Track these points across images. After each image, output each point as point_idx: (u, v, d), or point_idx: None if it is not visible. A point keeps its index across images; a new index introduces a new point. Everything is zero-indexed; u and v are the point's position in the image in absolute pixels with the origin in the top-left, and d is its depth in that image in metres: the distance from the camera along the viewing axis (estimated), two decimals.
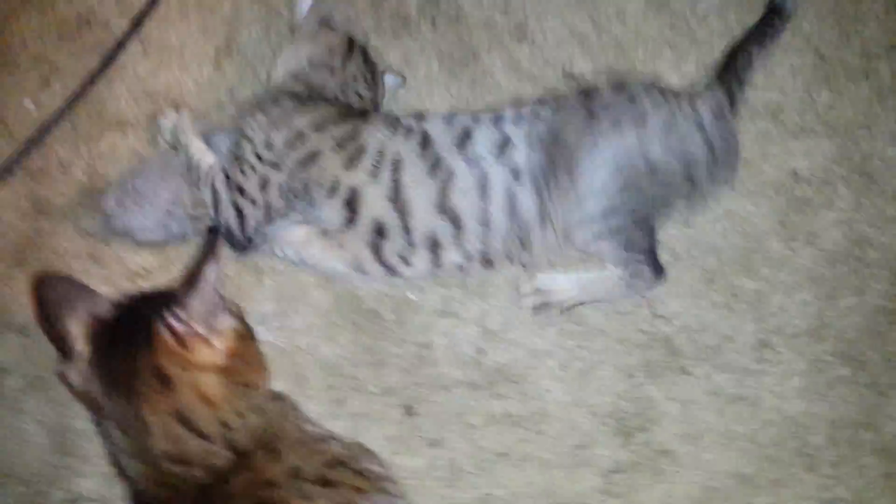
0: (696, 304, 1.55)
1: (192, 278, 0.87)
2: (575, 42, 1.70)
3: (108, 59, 1.63)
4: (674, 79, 1.67)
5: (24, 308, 1.48)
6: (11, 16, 1.68)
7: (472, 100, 1.65)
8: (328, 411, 1.46)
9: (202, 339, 0.87)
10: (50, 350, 0.93)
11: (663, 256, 1.49)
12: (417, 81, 1.66)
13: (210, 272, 0.86)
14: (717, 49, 1.66)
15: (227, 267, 1.48)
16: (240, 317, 0.95)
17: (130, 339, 0.86)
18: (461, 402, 1.49)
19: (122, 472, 0.89)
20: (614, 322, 1.53)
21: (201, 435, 0.85)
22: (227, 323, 0.91)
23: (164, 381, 0.85)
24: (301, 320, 1.52)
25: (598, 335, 1.52)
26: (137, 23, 1.66)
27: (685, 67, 1.69)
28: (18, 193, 1.56)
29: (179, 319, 0.86)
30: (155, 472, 0.86)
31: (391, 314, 1.53)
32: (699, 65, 1.69)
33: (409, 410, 1.48)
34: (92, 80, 1.62)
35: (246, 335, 0.95)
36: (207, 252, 0.88)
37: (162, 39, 1.66)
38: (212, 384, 0.87)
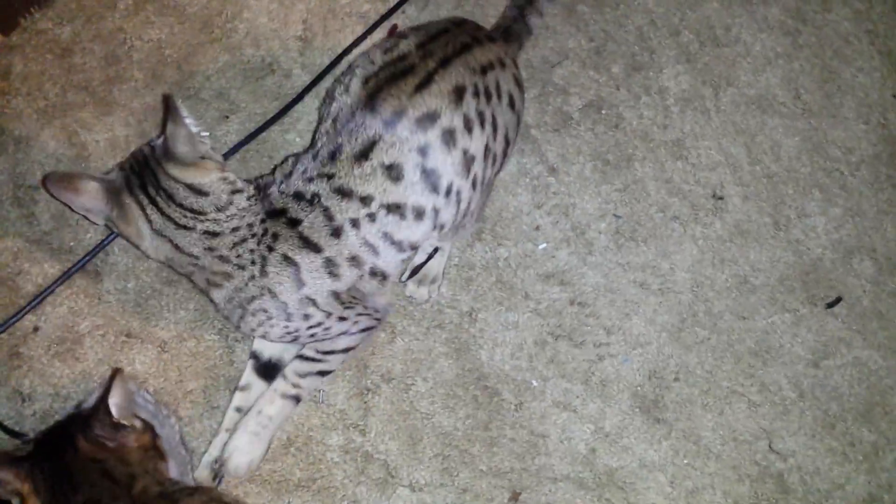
0: (813, 446, 1.68)
1: (95, 410, 1.24)
2: (728, 168, 1.89)
3: (287, 107, 1.87)
4: (821, 222, 1.84)
5: (171, 321, 1.69)
6: (201, 50, 1.93)
7: (620, 203, 1.84)
8: (436, 479, 1.61)
9: (119, 440, 1.25)
10: None
11: (788, 393, 1.64)
12: (570, 177, 1.86)
13: (103, 408, 1.23)
14: (865, 197, 1.84)
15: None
16: (144, 423, 1.31)
17: (59, 452, 1.23)
18: (567, 497, 1.62)
19: None
20: (730, 448, 1.66)
21: (114, 481, 1.21)
22: (133, 432, 1.27)
23: (94, 461, 1.23)
24: (424, 385, 1.68)
25: (712, 458, 1.66)
26: (317, 78, 1.91)
27: (833, 212, 1.86)
28: None
29: (92, 436, 1.23)
30: None
31: (512, 397, 1.69)
32: (846, 210, 1.86)
33: (514, 496, 1.62)
34: (268, 123, 1.86)
35: (152, 429, 1.32)
36: (109, 386, 1.23)
37: None
38: (131, 453, 1.25)
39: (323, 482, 1.56)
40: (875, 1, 2.03)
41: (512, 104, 1.46)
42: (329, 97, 1.42)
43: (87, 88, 1.82)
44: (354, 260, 1.36)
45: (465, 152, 1.36)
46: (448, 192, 1.38)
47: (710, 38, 1.95)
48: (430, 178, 1.35)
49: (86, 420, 1.23)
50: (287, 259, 1.34)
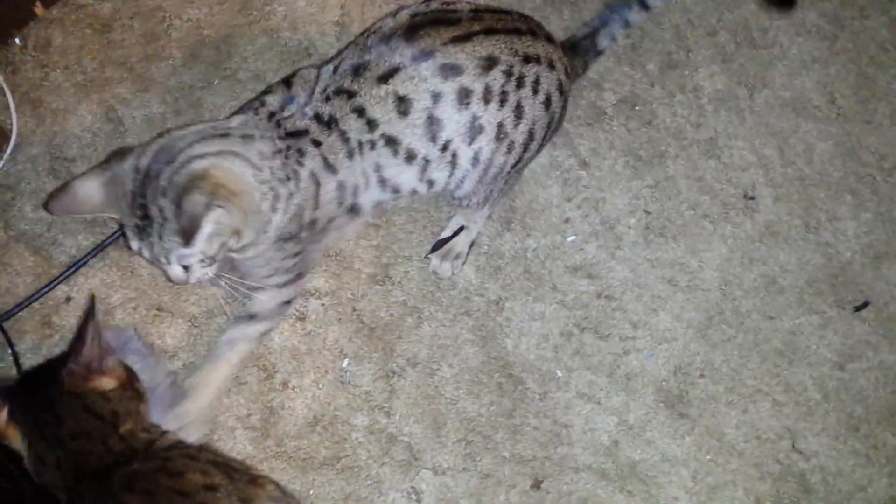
0: (837, 447, 1.70)
1: (80, 336, 1.22)
2: (760, 169, 1.91)
3: None
4: (851, 226, 1.87)
5: (202, 298, 1.73)
6: (238, 31, 1.97)
7: (650, 199, 1.87)
8: (459, 464, 1.64)
9: (98, 374, 1.23)
10: None
11: (813, 394, 1.67)
12: (601, 172, 1.89)
13: (90, 331, 1.20)
14: None
15: (384, 310, 1.73)
16: (119, 362, 1.28)
17: (44, 386, 1.23)
18: (588, 488, 1.66)
19: (44, 479, 1.22)
20: (753, 446, 1.69)
21: (98, 417, 1.20)
22: (114, 361, 1.26)
23: (76, 395, 1.21)
24: (449, 371, 1.72)
25: (735, 456, 1.68)
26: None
27: (863, 216, 1.88)
28: None
29: (76, 364, 1.21)
30: (64, 455, 1.17)
31: (536, 386, 1.72)
32: (876, 215, 1.89)
33: (536, 484, 1.65)
34: None
35: (129, 368, 1.30)
36: (87, 317, 1.20)
37: None
38: (109, 388, 1.22)
39: (347, 461, 1.60)
40: None
41: (547, 104, 1.48)
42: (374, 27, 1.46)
43: (125, 64, 1.86)
44: (355, 189, 1.42)
45: (474, 118, 1.39)
46: (444, 148, 1.41)
47: (746, 40, 1.97)
48: (431, 125, 1.38)
49: (68, 355, 1.23)
50: (314, 177, 1.39)
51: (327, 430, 1.61)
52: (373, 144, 1.40)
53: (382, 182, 1.44)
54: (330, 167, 1.40)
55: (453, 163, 1.45)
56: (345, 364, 1.66)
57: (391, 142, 1.40)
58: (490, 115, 1.41)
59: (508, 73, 1.41)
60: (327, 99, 1.40)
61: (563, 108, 1.55)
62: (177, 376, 1.59)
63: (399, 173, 1.44)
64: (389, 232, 1.76)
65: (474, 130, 1.42)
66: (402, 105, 1.38)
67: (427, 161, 1.43)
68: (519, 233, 1.78)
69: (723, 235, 1.82)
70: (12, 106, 1.78)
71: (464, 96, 1.38)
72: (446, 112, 1.39)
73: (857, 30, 2.00)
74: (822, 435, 1.67)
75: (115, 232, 1.69)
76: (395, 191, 1.46)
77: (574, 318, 1.73)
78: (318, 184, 1.40)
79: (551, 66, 1.48)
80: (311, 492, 1.58)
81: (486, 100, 1.40)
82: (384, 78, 1.38)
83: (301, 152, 1.38)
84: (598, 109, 1.90)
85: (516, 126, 1.45)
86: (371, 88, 1.38)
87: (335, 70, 1.41)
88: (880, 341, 1.75)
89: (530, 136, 1.48)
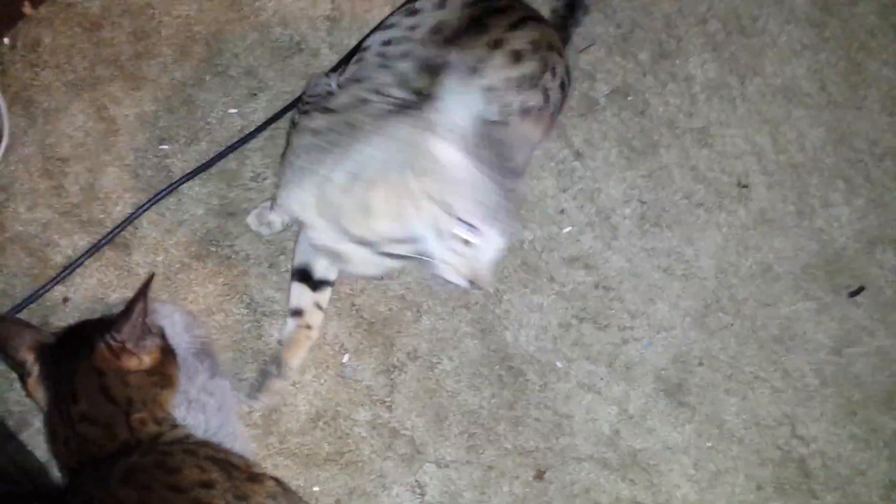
0: (836, 432, 1.72)
1: (126, 311, 1.23)
2: (753, 157, 1.93)
3: None
4: (845, 212, 1.89)
5: (200, 295, 1.73)
6: (229, 27, 1.96)
7: (645, 189, 1.89)
8: (462, 456, 1.65)
9: (130, 353, 1.23)
10: None
11: (811, 380, 1.69)
12: (595, 162, 1.89)
13: (139, 308, 1.21)
14: (888, 189, 1.88)
15: (383, 304, 1.73)
16: (164, 339, 1.30)
17: (74, 352, 1.23)
18: (591, 477, 1.67)
19: (54, 449, 1.23)
20: (753, 433, 1.71)
21: (112, 400, 1.19)
22: (153, 343, 1.26)
23: (98, 372, 1.21)
24: (450, 364, 1.72)
25: (735, 442, 1.70)
26: (345, 59, 1.94)
27: (856, 202, 1.90)
28: (212, 192, 1.81)
29: (114, 339, 1.22)
30: (72, 434, 1.18)
31: (536, 378, 1.73)
32: (869, 201, 1.91)
33: (539, 475, 1.67)
34: (296, 102, 1.90)
35: (168, 352, 1.30)
36: (140, 294, 1.22)
37: None
38: (133, 374, 1.22)
39: (351, 456, 1.60)
40: None
41: (564, 89, 1.56)
42: (409, 11, 1.50)
43: (115, 63, 1.85)
44: None
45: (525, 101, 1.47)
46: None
47: (736, 28, 1.99)
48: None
49: (111, 322, 1.23)
50: None
51: (330, 426, 1.61)
52: None
53: None
54: None
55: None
56: (345, 359, 1.66)
57: None
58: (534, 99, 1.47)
59: (549, 63, 1.48)
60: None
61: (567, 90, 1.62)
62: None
63: None
64: None
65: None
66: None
67: None
68: None
69: (717, 224, 1.84)
70: (3, 107, 1.77)
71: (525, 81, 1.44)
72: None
73: (846, 16, 2.02)
74: (821, 420, 1.70)
75: (111, 232, 1.69)
76: None
77: (572, 309, 1.74)
78: None
79: (560, 54, 1.55)
80: (316, 488, 1.58)
81: (533, 84, 1.46)
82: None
83: None
84: (590, 100, 1.90)
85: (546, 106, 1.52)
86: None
87: (423, 69, 1.41)
88: (876, 326, 1.77)
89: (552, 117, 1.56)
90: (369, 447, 1.61)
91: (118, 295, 1.67)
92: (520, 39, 1.44)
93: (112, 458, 1.13)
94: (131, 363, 1.23)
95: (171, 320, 1.51)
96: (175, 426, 1.28)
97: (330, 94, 1.43)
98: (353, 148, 1.28)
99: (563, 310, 1.74)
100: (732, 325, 1.76)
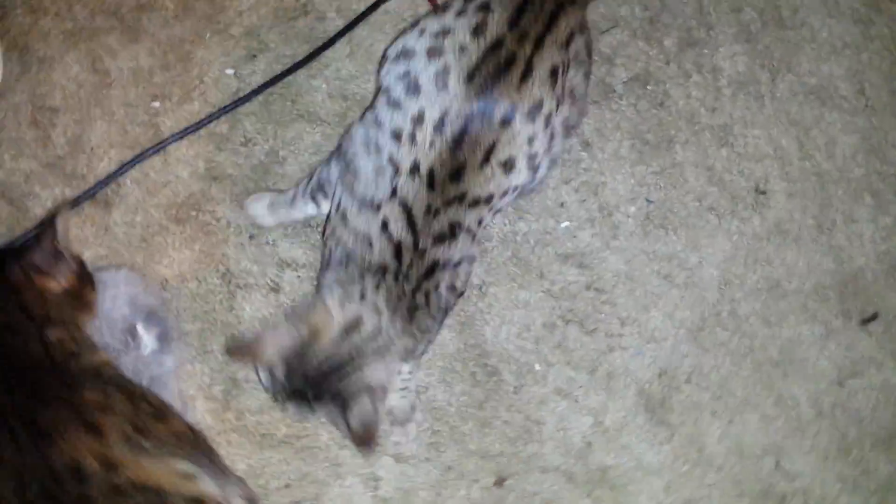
0: (824, 469, 1.53)
1: (37, 238, 1.24)
2: (775, 161, 1.72)
3: (317, 51, 1.75)
4: (869, 230, 1.68)
5: (175, 261, 1.63)
6: None
7: (654, 187, 1.70)
8: (422, 453, 1.52)
9: (45, 275, 1.23)
10: None
11: (805, 410, 1.51)
12: (604, 154, 1.71)
13: (48, 235, 1.22)
14: None
15: None
16: (81, 267, 1.30)
17: None
18: (553, 490, 1.52)
19: None
20: (734, 461, 1.53)
21: (29, 315, 1.18)
22: (68, 268, 1.26)
23: (15, 289, 1.20)
24: (424, 355, 1.60)
25: (714, 469, 1.53)
26: (351, 24, 1.79)
27: (883, 220, 1.68)
28: (199, 154, 1.68)
29: (26, 262, 1.22)
30: None
31: (512, 378, 1.58)
32: None
33: (500, 482, 1.53)
34: (296, 66, 1.75)
35: (86, 278, 1.30)
36: (49, 221, 1.23)
37: (370, 48, 1.78)
38: (50, 294, 1.21)
39: (307, 441, 1.50)
40: None
41: (587, 75, 1.40)
42: (410, 86, 1.29)
43: (116, 14, 1.73)
44: None
45: (553, 129, 1.30)
46: (535, 169, 1.33)
47: (774, 19, 1.77)
48: (532, 160, 1.29)
49: (23, 248, 1.23)
50: None
51: None
52: (492, 210, 1.32)
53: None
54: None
55: (534, 171, 1.33)
56: None
57: (503, 194, 1.31)
58: (561, 116, 1.31)
59: (564, 70, 1.30)
60: (436, 213, 1.27)
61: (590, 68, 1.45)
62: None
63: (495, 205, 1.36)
64: None
65: (553, 136, 1.31)
66: (507, 166, 1.26)
67: (518, 187, 1.33)
68: (510, 215, 1.63)
69: (728, 231, 1.65)
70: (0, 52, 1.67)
71: (547, 117, 1.27)
72: (538, 143, 1.28)
73: None
74: (811, 455, 1.52)
75: (92, 188, 1.60)
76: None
77: (559, 310, 1.59)
78: None
79: (581, 29, 1.36)
80: (267, 469, 1.48)
81: (559, 104, 1.29)
82: (485, 160, 1.25)
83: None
84: (606, 86, 1.72)
85: (573, 109, 1.36)
86: (477, 177, 1.25)
87: (430, 185, 1.26)
88: (886, 359, 1.57)
89: (581, 113, 1.41)
90: (327, 433, 1.50)
91: (92, 252, 1.58)
92: (536, 86, 1.27)
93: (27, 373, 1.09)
94: (47, 284, 1.22)
95: (115, 292, 1.41)
96: (95, 350, 1.21)
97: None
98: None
99: (549, 309, 1.59)
100: (729, 342, 1.59)
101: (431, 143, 1.24)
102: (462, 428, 1.50)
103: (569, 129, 1.38)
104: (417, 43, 1.30)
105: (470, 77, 1.23)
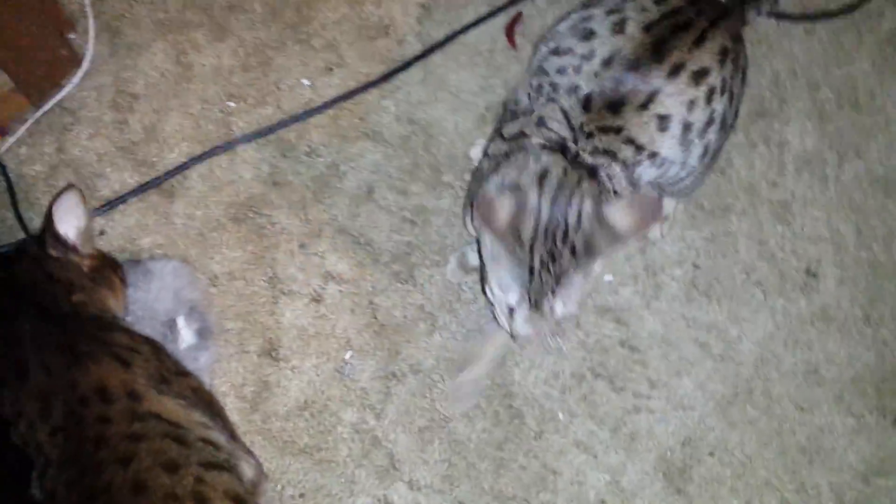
0: None
1: (44, 227, 1.23)
2: (831, 246, 1.65)
3: (391, 73, 1.74)
4: None
5: (227, 258, 1.63)
6: None
7: (704, 253, 1.65)
8: (436, 484, 1.48)
9: (69, 252, 1.24)
10: None
11: (827, 501, 1.45)
12: None
13: (47, 219, 1.22)
14: None
15: (400, 309, 1.58)
16: (100, 254, 1.31)
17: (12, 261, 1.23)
18: None
19: None
20: None
21: (56, 280, 1.21)
22: (86, 251, 1.26)
23: (35, 259, 1.23)
24: (449, 385, 1.57)
25: None
26: (428, 50, 1.77)
27: None
28: (264, 158, 1.68)
29: (43, 245, 1.22)
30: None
31: (534, 423, 1.54)
32: None
33: None
34: (370, 85, 1.73)
35: (108, 261, 1.32)
36: (50, 206, 1.21)
37: (443, 76, 1.76)
38: (73, 265, 1.23)
39: (326, 454, 1.48)
40: None
41: (744, 78, 1.32)
42: (584, 34, 1.26)
43: (206, 10, 1.74)
44: None
45: (712, 112, 1.24)
46: (689, 146, 1.26)
47: (849, 101, 1.70)
48: (686, 132, 1.23)
49: (38, 236, 1.24)
50: None
51: (315, 418, 1.49)
52: (639, 163, 1.24)
53: (632, 183, 1.28)
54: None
55: (686, 148, 1.26)
56: (348, 356, 1.53)
57: (652, 156, 1.24)
58: (721, 106, 1.25)
59: (733, 60, 1.25)
60: (590, 135, 1.21)
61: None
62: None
63: (645, 174, 1.28)
64: (424, 232, 1.61)
65: (711, 120, 1.25)
66: (663, 122, 1.21)
67: (670, 162, 1.26)
68: None
69: (772, 308, 1.59)
70: (92, 32, 1.69)
71: (711, 90, 1.22)
72: (697, 114, 1.23)
73: None
74: None
75: (160, 177, 1.62)
76: (633, 185, 1.29)
77: (590, 362, 1.55)
78: None
79: (742, 42, 1.31)
80: (285, 476, 1.47)
81: (722, 91, 1.24)
82: (644, 105, 1.20)
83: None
84: None
85: (731, 108, 1.29)
86: (634, 118, 1.20)
87: (585, 107, 1.21)
88: None
89: (736, 114, 1.33)
90: (347, 450, 1.48)
91: (150, 240, 1.58)
92: (706, 55, 1.22)
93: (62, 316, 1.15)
94: (72, 259, 1.24)
95: (162, 283, 1.41)
96: (115, 316, 1.24)
97: (514, 113, 1.29)
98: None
99: (580, 360, 1.55)
100: (758, 420, 1.53)
101: (596, 74, 1.21)
102: (479, 465, 1.47)
103: (726, 127, 1.29)
104: (595, 9, 1.28)
105: (647, 28, 1.21)
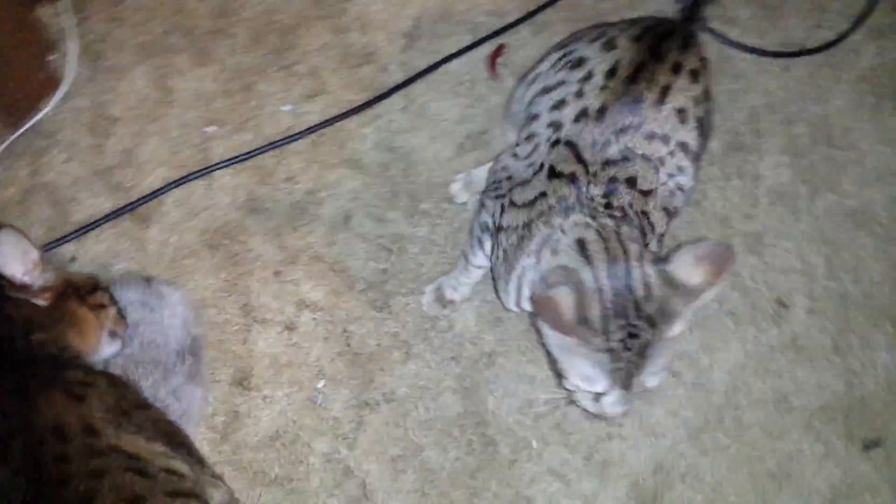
0: None
1: None
2: (802, 277, 1.65)
3: (373, 100, 1.73)
4: (883, 358, 1.61)
5: (200, 286, 1.61)
6: (308, 23, 1.82)
7: None
8: None
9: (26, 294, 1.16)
10: None
11: None
12: None
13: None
14: None
15: (374, 337, 1.56)
16: (64, 283, 1.22)
17: None
18: None
19: None
20: None
21: (13, 322, 1.14)
22: (48, 282, 1.18)
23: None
24: (424, 415, 1.54)
25: None
26: (411, 79, 1.75)
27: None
28: (241, 184, 1.66)
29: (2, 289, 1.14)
30: None
31: (508, 451, 1.53)
32: None
33: None
34: (351, 112, 1.73)
35: (67, 296, 1.22)
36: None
37: (424, 104, 1.76)
38: (31, 303, 1.16)
39: (298, 484, 1.45)
40: None
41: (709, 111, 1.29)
42: (573, 63, 1.25)
43: (190, 35, 1.73)
44: None
45: (702, 118, 1.23)
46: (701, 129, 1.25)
47: (823, 137, 1.71)
48: (700, 125, 1.23)
49: None
50: None
51: (286, 448, 1.47)
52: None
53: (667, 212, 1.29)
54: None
55: (701, 133, 1.26)
56: (320, 385, 1.51)
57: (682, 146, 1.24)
58: (702, 110, 1.25)
59: (705, 69, 1.27)
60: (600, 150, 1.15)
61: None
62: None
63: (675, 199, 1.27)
64: (401, 260, 1.60)
65: (701, 125, 1.25)
66: (682, 114, 1.20)
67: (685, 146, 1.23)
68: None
69: (743, 338, 1.59)
70: (74, 54, 1.68)
71: (704, 92, 1.24)
72: (700, 109, 1.25)
73: None
74: None
75: (135, 202, 1.60)
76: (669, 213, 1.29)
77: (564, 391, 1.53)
78: None
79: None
80: None
81: (703, 96, 1.24)
82: (661, 99, 1.20)
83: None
84: None
85: (709, 116, 1.28)
86: (651, 112, 1.18)
87: (595, 145, 1.16)
88: (882, 486, 1.49)
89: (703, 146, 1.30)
90: (319, 480, 1.46)
91: (124, 265, 1.56)
92: (694, 57, 1.22)
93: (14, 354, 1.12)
94: (29, 297, 1.17)
95: (173, 310, 1.39)
96: (78, 359, 1.20)
97: (510, 179, 1.24)
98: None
99: (554, 388, 1.54)
100: (728, 448, 1.52)
101: (603, 87, 1.17)
102: (451, 494, 1.45)
103: (706, 137, 1.27)
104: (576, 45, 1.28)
105: (637, 38, 1.21)
